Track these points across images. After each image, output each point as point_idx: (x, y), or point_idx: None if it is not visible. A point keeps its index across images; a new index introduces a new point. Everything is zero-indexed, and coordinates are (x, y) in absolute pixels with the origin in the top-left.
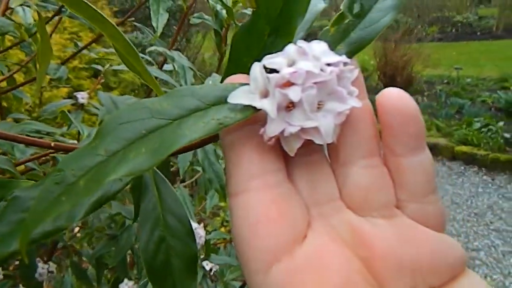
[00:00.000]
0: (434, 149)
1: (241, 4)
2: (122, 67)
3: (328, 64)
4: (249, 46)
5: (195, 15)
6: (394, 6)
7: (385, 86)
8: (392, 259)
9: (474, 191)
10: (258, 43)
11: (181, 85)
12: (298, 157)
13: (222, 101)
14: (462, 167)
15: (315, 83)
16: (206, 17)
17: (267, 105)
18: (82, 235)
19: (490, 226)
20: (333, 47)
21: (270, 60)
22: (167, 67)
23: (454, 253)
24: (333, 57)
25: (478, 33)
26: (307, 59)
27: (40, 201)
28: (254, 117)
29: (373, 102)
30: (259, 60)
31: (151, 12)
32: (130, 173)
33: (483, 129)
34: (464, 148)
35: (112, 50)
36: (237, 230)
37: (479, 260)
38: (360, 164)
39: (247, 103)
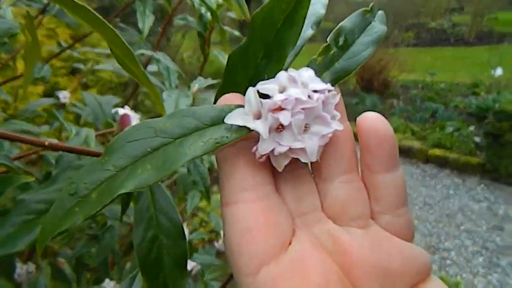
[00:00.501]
0: (409, 152)
1: (225, 7)
2: (105, 66)
3: (315, 91)
4: (243, 66)
5: (179, 16)
6: (374, 41)
7: (362, 90)
8: (366, 264)
9: (446, 193)
10: (252, 64)
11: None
12: (285, 172)
13: (219, 121)
14: (435, 170)
15: (303, 108)
16: (190, 19)
17: (260, 126)
18: (62, 235)
19: (460, 227)
20: (319, 74)
21: (264, 86)
22: (151, 67)
23: (421, 261)
24: (320, 85)
25: (452, 40)
26: (296, 86)
27: (55, 211)
28: (246, 135)
29: (351, 105)
30: (253, 81)
31: (138, 14)
32: (137, 188)
33: (455, 133)
34: (437, 151)
35: (95, 49)
36: (229, 237)
37: (450, 260)
38: (339, 179)
39: (242, 124)
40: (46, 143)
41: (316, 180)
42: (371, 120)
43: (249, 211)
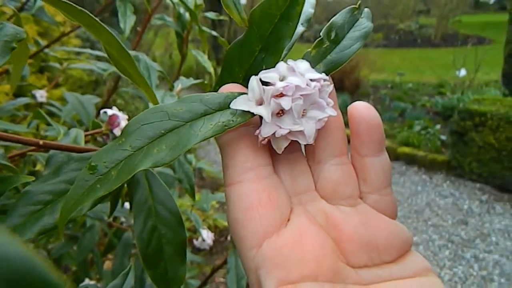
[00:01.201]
0: None
1: (203, 8)
2: (82, 65)
3: (312, 80)
4: (241, 58)
5: (157, 16)
6: (362, 36)
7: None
8: (356, 239)
9: (414, 189)
10: (250, 57)
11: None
12: (282, 155)
13: (225, 106)
14: (404, 167)
15: (301, 95)
16: (168, 19)
17: (263, 111)
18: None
19: (428, 222)
20: (313, 65)
21: (265, 75)
22: None
23: (403, 236)
24: (315, 74)
25: (419, 41)
26: (295, 75)
27: (77, 188)
28: (249, 119)
29: None
30: (249, 73)
31: (119, 14)
32: (154, 165)
33: (422, 132)
34: (405, 149)
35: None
36: (233, 214)
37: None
38: (331, 162)
39: (246, 109)
40: (41, 143)
41: (310, 163)
42: (361, 108)
43: (252, 190)
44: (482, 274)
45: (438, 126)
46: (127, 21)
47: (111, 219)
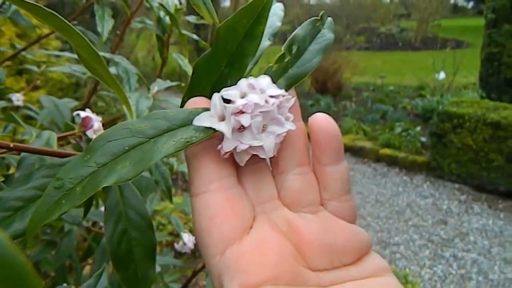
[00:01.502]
0: (361, 152)
1: (184, 11)
2: (61, 68)
3: (271, 96)
4: (208, 73)
5: (137, 19)
6: (323, 49)
7: (317, 92)
8: (316, 243)
9: (396, 190)
10: (216, 72)
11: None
12: (246, 166)
13: (188, 123)
14: (386, 168)
15: (260, 112)
16: (149, 22)
17: (224, 127)
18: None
19: (408, 222)
20: (275, 80)
21: (227, 92)
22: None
23: (361, 239)
24: (275, 90)
25: (400, 44)
26: (255, 92)
27: (43, 204)
28: (212, 135)
29: (306, 107)
30: (216, 87)
31: (97, 18)
32: (118, 181)
33: (403, 133)
34: (387, 151)
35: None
36: (198, 223)
37: (399, 253)
38: (293, 171)
39: (208, 125)
40: (11, 145)
41: (273, 172)
42: (321, 120)
43: (215, 200)
44: (461, 272)
45: (418, 128)
46: (105, 25)
47: (90, 224)
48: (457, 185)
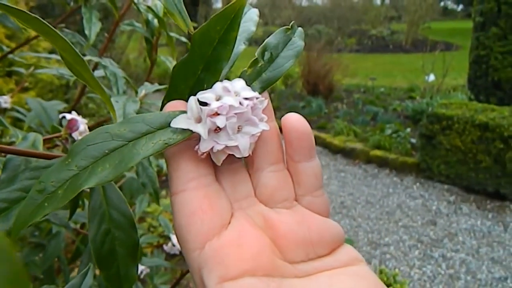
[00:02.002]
0: (352, 153)
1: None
2: (49, 70)
3: (246, 98)
4: (185, 77)
5: (126, 22)
6: (294, 55)
7: (308, 93)
8: (291, 236)
9: (386, 192)
10: (193, 75)
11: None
12: (223, 165)
13: (166, 125)
14: (376, 170)
15: (235, 113)
16: (137, 24)
17: (201, 129)
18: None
19: (399, 223)
20: (250, 83)
21: (203, 95)
22: (98, 73)
23: (335, 231)
24: (249, 93)
25: (391, 46)
26: (230, 95)
27: (26, 207)
28: (189, 136)
29: (297, 108)
30: (194, 90)
31: (84, 21)
32: (98, 183)
33: (393, 135)
34: (378, 152)
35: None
36: (177, 220)
37: (389, 254)
38: (268, 169)
39: (185, 127)
40: None
41: (249, 171)
42: (292, 119)
43: (194, 197)
44: (450, 272)
45: (408, 130)
46: (92, 28)
47: (78, 226)
48: (446, 186)
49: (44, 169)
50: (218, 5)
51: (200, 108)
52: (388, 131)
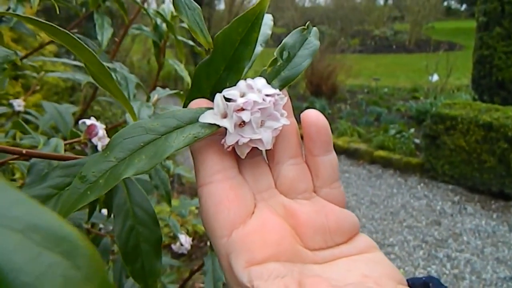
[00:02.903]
0: (356, 154)
1: (179, 19)
2: (59, 74)
3: (267, 95)
4: (208, 76)
5: (134, 26)
6: (310, 54)
7: (312, 94)
8: (310, 225)
9: (390, 192)
10: (216, 75)
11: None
12: (246, 159)
13: (194, 120)
14: (380, 170)
15: (259, 108)
16: (145, 29)
17: (227, 123)
18: None
19: (403, 223)
20: (269, 81)
21: (228, 92)
22: None
23: (351, 221)
24: (271, 90)
25: (394, 47)
26: (253, 91)
27: (70, 196)
28: (216, 130)
29: (301, 109)
30: (215, 89)
31: (96, 27)
32: (136, 173)
33: (397, 135)
34: (381, 153)
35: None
36: (205, 210)
37: (394, 254)
38: (288, 162)
39: (213, 122)
40: (24, 151)
41: (270, 164)
42: (312, 115)
43: (221, 188)
44: (454, 272)
45: (412, 130)
46: (105, 33)
47: (89, 225)
48: (450, 186)
49: (74, 167)
50: (221, 6)
51: (226, 104)
52: (392, 132)
